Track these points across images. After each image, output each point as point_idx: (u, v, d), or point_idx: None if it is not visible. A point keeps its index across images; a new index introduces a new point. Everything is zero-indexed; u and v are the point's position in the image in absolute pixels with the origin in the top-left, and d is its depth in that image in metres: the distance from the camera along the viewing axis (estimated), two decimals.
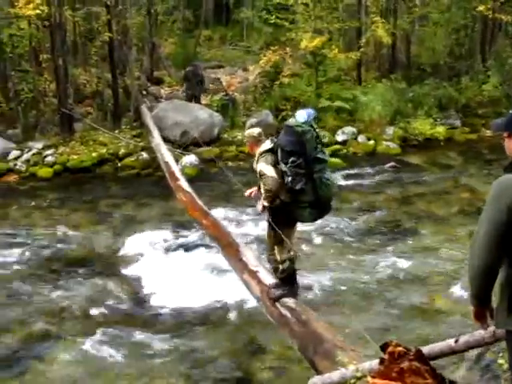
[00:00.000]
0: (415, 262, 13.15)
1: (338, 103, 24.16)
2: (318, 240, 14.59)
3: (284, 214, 7.96)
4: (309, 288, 11.99)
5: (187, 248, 14.18)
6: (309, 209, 7.84)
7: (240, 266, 9.83)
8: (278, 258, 8.21)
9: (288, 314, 8.16)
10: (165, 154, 18.17)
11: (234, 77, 30.91)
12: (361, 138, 23.17)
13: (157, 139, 19.94)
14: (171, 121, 22.86)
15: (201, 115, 23.26)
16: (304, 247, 14.03)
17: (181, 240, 14.73)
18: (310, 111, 7.85)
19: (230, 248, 10.55)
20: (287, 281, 8.38)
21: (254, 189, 8.57)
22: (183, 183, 14.88)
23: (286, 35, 27.35)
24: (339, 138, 23.28)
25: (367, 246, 14.26)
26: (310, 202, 7.77)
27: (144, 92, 26.31)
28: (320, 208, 7.94)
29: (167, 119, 22.96)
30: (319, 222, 15.24)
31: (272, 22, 27.67)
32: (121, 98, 24.70)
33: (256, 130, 8.42)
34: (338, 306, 11.24)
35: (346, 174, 19.95)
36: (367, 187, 18.84)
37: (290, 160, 7.60)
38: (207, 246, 13.67)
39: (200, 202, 13.25)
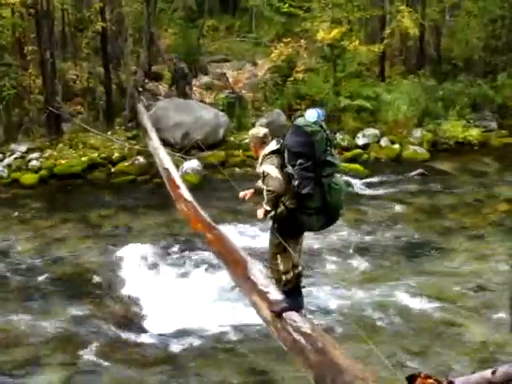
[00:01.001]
0: (444, 283, 13.11)
1: (358, 102, 24.14)
2: (336, 256, 14.59)
3: (289, 222, 7.92)
4: (326, 310, 11.98)
5: (188, 265, 14.19)
6: (316, 216, 7.82)
7: (248, 285, 9.77)
8: (281, 268, 8.17)
9: (302, 341, 8.09)
10: (164, 158, 18.10)
11: (242, 72, 30.90)
12: (384, 142, 23.16)
13: (155, 142, 19.86)
14: (171, 121, 22.89)
15: (204, 115, 23.28)
16: (321, 263, 14.04)
17: (181, 255, 14.73)
18: (321, 111, 7.76)
19: (236, 265, 10.49)
20: (291, 293, 8.34)
21: (250, 191, 8.67)
22: (184, 192, 14.82)
23: (300, 25, 27.39)
24: (360, 141, 23.29)
25: (390, 264, 14.24)
26: (317, 208, 7.73)
27: (140, 89, 26.26)
28: (328, 215, 7.92)
29: (167, 119, 22.98)
30: (338, 235, 15.52)
31: (285, 10, 27.76)
32: (114, 95, 24.77)
33: (262, 131, 8.37)
34: (357, 331, 11.18)
35: (367, 182, 19.94)
36: (391, 197, 18.79)
37: (298, 162, 7.58)
38: (211, 263, 13.64)
39: (203, 213, 13.18)
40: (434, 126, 23.90)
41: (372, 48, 25.17)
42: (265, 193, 7.83)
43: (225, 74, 29.76)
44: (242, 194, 8.80)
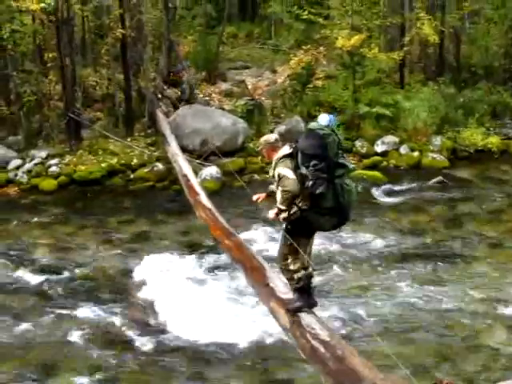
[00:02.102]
0: (464, 292, 13.04)
1: (377, 109, 24.04)
2: (355, 264, 14.56)
3: (302, 223, 8.15)
4: (344, 317, 11.95)
5: (207, 271, 14.21)
6: (328, 216, 8.06)
7: (266, 292, 9.75)
8: (292, 267, 8.37)
9: (321, 349, 8.06)
10: (182, 165, 18.12)
11: (261, 79, 30.89)
12: (403, 149, 23.07)
13: (174, 148, 19.90)
14: (190, 128, 22.90)
15: (223, 122, 23.29)
16: (340, 271, 14.02)
17: (199, 262, 14.73)
18: (332, 116, 8.07)
19: (255, 272, 10.47)
20: (304, 291, 8.52)
21: (262, 195, 8.89)
22: (203, 198, 14.82)
23: (319, 33, 27.30)
24: (379, 148, 23.21)
25: (409, 272, 14.17)
26: (329, 208, 7.96)
27: (160, 95, 26.33)
28: (340, 215, 8.14)
29: (185, 126, 22.99)
30: (357, 243, 15.47)
31: (304, 17, 27.63)
32: (134, 101, 24.81)
33: (273, 136, 8.67)
34: (376, 339, 11.12)
35: (386, 190, 19.86)
36: (410, 205, 18.73)
37: (312, 163, 7.83)
38: (229, 270, 13.66)
39: (222, 220, 13.18)
40: (454, 134, 23.79)
41: (391, 55, 25.06)
42: (280, 194, 8.04)
43: (244, 80, 29.77)
44: (255, 197, 8.98)
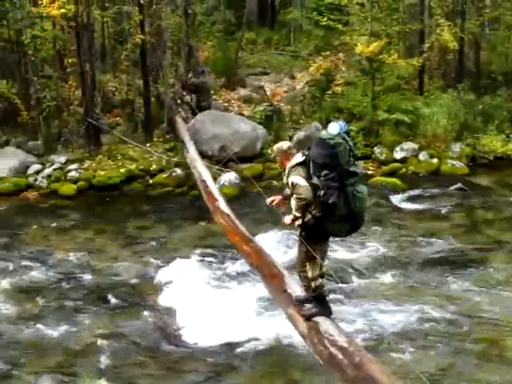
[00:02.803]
0: (483, 300, 12.94)
1: (396, 115, 24.00)
2: (373, 270, 14.50)
3: (316, 230, 8.33)
4: (362, 324, 11.90)
5: (225, 277, 14.17)
6: (341, 223, 8.28)
7: (284, 298, 9.75)
8: (310, 274, 8.55)
9: (339, 355, 8.05)
10: (201, 170, 18.15)
11: (280, 85, 30.93)
12: (423, 156, 23.03)
13: (192, 154, 19.94)
14: (209, 133, 22.96)
15: (242, 128, 23.33)
16: (357, 278, 13.99)
17: (217, 268, 14.71)
18: (342, 123, 8.19)
19: (273, 278, 10.47)
20: (320, 298, 8.71)
21: (278, 197, 9.09)
22: (222, 204, 14.83)
23: (339, 39, 27.31)
24: (398, 155, 23.18)
25: (428, 279, 14.09)
26: (342, 215, 8.16)
27: (179, 101, 26.37)
28: (353, 222, 8.37)
29: (204, 132, 23.05)
30: (376, 249, 15.43)
31: (323, 24, 27.61)
32: (153, 107, 24.88)
33: (285, 144, 8.87)
34: (394, 347, 11.09)
35: (405, 197, 19.81)
36: (429, 212, 18.67)
37: (323, 173, 8.00)
38: (247, 276, 13.65)
39: (241, 226, 13.18)
40: (473, 141, 23.72)
41: (411, 61, 25.01)
42: (294, 201, 8.23)
43: (263, 87, 29.80)
44: (269, 200, 9.20)
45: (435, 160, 22.78)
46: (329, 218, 8.20)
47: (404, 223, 17.62)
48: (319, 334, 8.50)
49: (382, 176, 21.75)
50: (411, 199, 19.68)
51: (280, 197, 9.04)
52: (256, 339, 11.44)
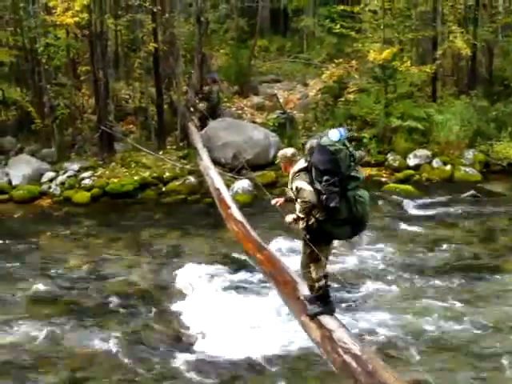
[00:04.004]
0: (498, 308, 12.89)
1: (409, 122, 23.96)
2: (385, 277, 14.49)
3: (319, 233, 8.62)
4: (375, 331, 11.89)
5: (238, 285, 14.17)
6: (343, 226, 8.56)
7: (297, 306, 9.74)
8: (314, 275, 8.84)
9: (353, 363, 8.03)
10: (214, 178, 18.15)
11: (293, 92, 30.93)
12: (436, 163, 22.98)
13: (206, 161, 19.94)
14: (222, 141, 23.00)
15: (255, 135, 23.36)
16: (371, 285, 13.98)
17: (231, 275, 14.71)
18: (343, 130, 8.45)
19: (286, 286, 10.46)
20: (323, 298, 8.95)
21: (282, 198, 9.37)
22: (235, 211, 14.82)
23: (351, 46, 27.34)
24: (411, 161, 23.15)
25: (441, 287, 14.05)
26: (344, 219, 8.44)
27: (192, 109, 26.39)
28: (355, 225, 8.62)
29: (217, 139, 23.09)
30: (389, 256, 15.41)
31: (336, 31, 27.64)
32: (166, 115, 24.95)
33: (289, 151, 9.16)
34: (407, 354, 11.07)
35: (418, 204, 19.77)
36: (443, 219, 18.62)
37: (325, 179, 8.26)
38: (261, 283, 13.63)
39: (254, 234, 13.17)
40: (487, 147, 23.65)
41: (424, 68, 24.96)
42: (300, 204, 8.52)
43: (276, 94, 29.80)
44: (273, 201, 9.45)
45: (448, 167, 22.73)
46: (332, 222, 8.47)
47: (417, 230, 17.57)
48: (333, 341, 8.49)
49: (395, 183, 21.74)
50: (424, 206, 19.64)
51: (283, 199, 9.31)
52: (269, 347, 11.43)
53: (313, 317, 8.94)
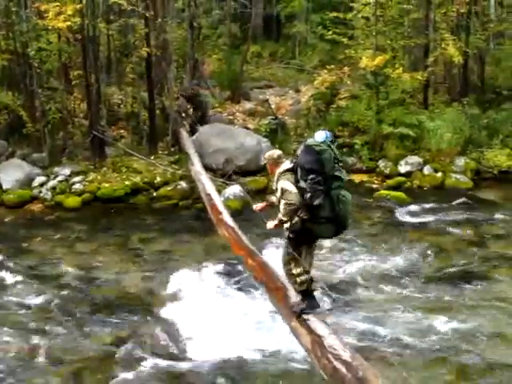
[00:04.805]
0: (490, 316, 12.90)
1: (401, 129, 24.03)
2: (376, 285, 14.50)
3: (303, 232, 8.98)
4: (364, 338, 11.91)
5: (229, 291, 14.17)
6: (326, 225, 8.92)
7: (288, 312, 9.79)
8: (295, 271, 9.19)
9: (343, 370, 8.07)
10: (206, 183, 18.19)
11: (285, 98, 30.99)
12: (427, 170, 23.06)
13: (197, 167, 19.99)
14: (213, 147, 23.02)
15: (247, 142, 23.39)
16: (361, 292, 14.03)
17: (222, 281, 14.70)
18: (328, 132, 8.97)
19: (278, 292, 10.51)
20: (306, 293, 9.31)
21: (264, 203, 9.87)
22: (226, 217, 14.87)
23: (343, 53, 27.35)
24: (402, 168, 23.23)
25: (432, 295, 14.06)
26: (327, 217, 8.83)
27: (183, 114, 26.40)
28: (337, 224, 8.97)
29: (209, 145, 23.11)
30: (379, 263, 15.44)
31: (328, 37, 27.73)
32: (158, 120, 24.95)
33: (276, 152, 9.55)
34: (398, 361, 11.10)
35: (409, 211, 19.79)
36: (434, 226, 18.63)
37: (310, 177, 8.65)
38: (252, 289, 13.65)
39: (245, 240, 13.22)
40: (478, 155, 23.72)
41: (415, 75, 24.99)
42: (283, 206, 8.86)
43: (268, 100, 29.85)
44: (255, 207, 9.91)
45: (439, 174, 22.81)
46: (315, 220, 8.84)
47: (408, 237, 17.61)
48: (323, 348, 8.54)
49: (386, 189, 21.79)
50: (415, 213, 19.68)
51: (264, 203, 9.78)
52: (259, 352, 11.46)
53: (299, 314, 9.23)
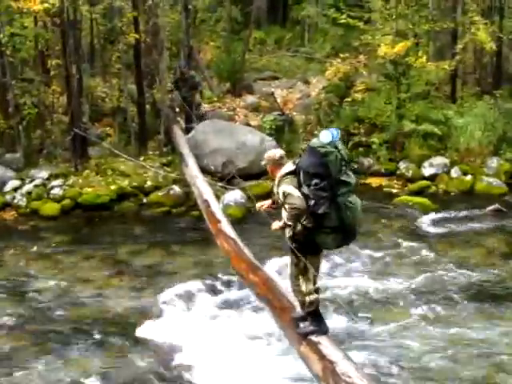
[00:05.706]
0: None
1: (425, 126, 24.04)
2: (398, 302, 14.50)
3: (307, 241, 8.87)
4: (384, 365, 11.90)
5: (227, 309, 14.18)
6: (332, 235, 8.78)
7: (296, 334, 9.77)
8: (304, 289, 9.10)
9: None
10: (202, 188, 18.14)
11: (293, 91, 30.99)
12: (455, 172, 23.04)
13: (192, 169, 19.92)
14: (211, 146, 23.01)
15: (249, 140, 23.35)
16: (380, 309, 14.04)
17: (219, 298, 14.74)
18: (335, 131, 8.70)
19: (284, 313, 10.48)
20: (315, 314, 9.25)
21: (268, 202, 9.66)
22: (225, 226, 14.84)
23: (359, 39, 27.36)
24: (426, 171, 23.22)
25: (459, 313, 14.07)
26: (333, 227, 8.69)
27: (177, 109, 26.37)
28: (344, 234, 8.83)
29: (206, 144, 23.10)
30: (402, 277, 15.44)
31: (342, 22, 27.67)
32: (148, 116, 24.97)
33: (278, 153, 9.42)
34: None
35: (434, 219, 19.79)
36: (462, 236, 18.65)
37: (313, 182, 8.56)
38: (254, 307, 13.66)
39: (247, 252, 13.19)
40: None
41: (442, 65, 25.03)
42: (288, 210, 8.74)
43: (273, 93, 29.85)
44: (258, 205, 9.78)
45: (469, 177, 22.80)
46: (320, 230, 8.71)
47: (433, 249, 17.60)
48: (335, 375, 8.50)
49: (408, 195, 21.78)
50: (441, 222, 19.67)
51: (269, 202, 9.59)
52: (262, 379, 11.43)
53: (305, 336, 9.20)
